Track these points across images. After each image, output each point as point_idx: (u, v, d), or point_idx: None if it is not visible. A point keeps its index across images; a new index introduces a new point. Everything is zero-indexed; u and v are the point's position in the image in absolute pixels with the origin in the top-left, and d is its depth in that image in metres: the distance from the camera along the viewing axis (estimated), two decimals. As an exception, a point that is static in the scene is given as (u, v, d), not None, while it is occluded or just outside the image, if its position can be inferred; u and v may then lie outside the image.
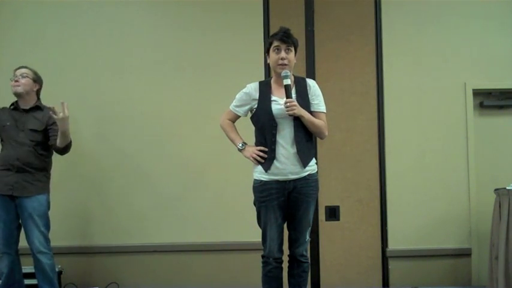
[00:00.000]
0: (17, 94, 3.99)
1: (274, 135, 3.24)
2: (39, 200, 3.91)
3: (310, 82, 3.39)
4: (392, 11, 4.83)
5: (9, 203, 3.89)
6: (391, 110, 4.79)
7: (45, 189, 3.99)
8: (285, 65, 3.24)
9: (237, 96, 3.43)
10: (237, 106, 3.42)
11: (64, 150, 3.95)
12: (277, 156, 3.23)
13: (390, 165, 4.76)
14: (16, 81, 3.97)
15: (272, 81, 3.38)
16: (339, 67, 4.80)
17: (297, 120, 3.24)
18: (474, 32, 4.83)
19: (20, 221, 3.95)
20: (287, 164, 3.23)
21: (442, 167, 4.76)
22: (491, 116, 4.94)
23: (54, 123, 3.91)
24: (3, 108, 4.07)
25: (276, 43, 3.26)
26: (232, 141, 3.45)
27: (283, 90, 3.27)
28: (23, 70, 4.01)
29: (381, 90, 4.80)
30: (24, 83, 3.97)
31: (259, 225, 3.34)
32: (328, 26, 4.82)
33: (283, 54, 3.24)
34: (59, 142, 3.87)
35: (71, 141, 3.95)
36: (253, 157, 3.28)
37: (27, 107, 3.99)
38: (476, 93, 4.84)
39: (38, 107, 4.02)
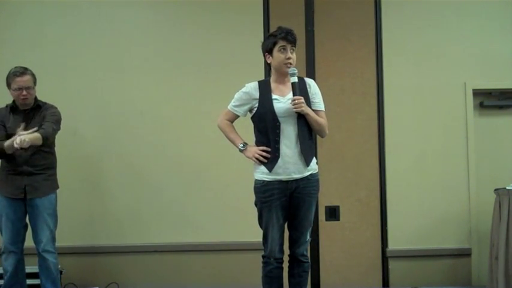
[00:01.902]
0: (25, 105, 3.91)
1: (277, 134, 3.22)
2: (49, 199, 3.94)
3: (309, 81, 3.40)
4: (392, 11, 4.83)
5: (18, 203, 3.89)
6: (391, 110, 4.79)
7: (54, 187, 4.01)
8: (291, 64, 3.25)
9: (236, 96, 3.40)
10: (236, 106, 3.38)
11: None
12: (281, 156, 3.21)
13: (390, 165, 4.76)
14: (25, 98, 3.85)
15: (271, 80, 3.37)
16: (339, 67, 4.79)
17: (300, 119, 3.23)
18: (474, 32, 4.83)
19: (28, 219, 3.94)
20: (290, 163, 3.21)
21: (442, 167, 4.76)
22: (491, 116, 4.94)
23: (50, 114, 3.89)
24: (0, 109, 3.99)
25: (282, 43, 3.25)
26: (232, 141, 3.41)
27: (283, 89, 3.28)
28: (26, 82, 3.85)
29: (380, 90, 4.80)
30: (32, 94, 3.90)
31: (261, 226, 3.32)
32: (328, 26, 4.81)
33: (289, 53, 3.25)
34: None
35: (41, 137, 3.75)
36: (255, 157, 3.25)
37: (27, 108, 3.93)
38: (476, 93, 4.84)
39: (38, 106, 3.96)
